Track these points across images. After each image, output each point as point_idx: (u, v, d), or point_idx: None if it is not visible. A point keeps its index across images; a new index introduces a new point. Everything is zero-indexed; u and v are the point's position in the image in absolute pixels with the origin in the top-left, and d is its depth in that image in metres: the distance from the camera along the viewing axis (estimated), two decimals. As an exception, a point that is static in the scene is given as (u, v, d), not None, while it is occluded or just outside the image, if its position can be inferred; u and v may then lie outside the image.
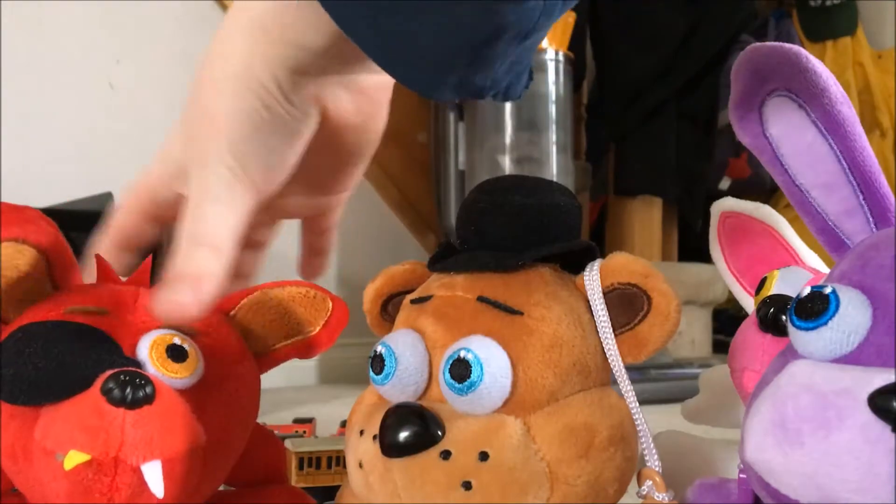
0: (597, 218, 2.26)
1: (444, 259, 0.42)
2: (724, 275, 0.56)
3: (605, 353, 0.40)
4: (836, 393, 0.26)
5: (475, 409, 0.37)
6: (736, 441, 0.60)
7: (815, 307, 0.29)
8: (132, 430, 0.35)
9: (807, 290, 0.30)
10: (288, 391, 1.52)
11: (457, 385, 0.36)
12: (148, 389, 0.35)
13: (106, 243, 0.46)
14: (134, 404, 0.35)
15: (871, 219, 0.33)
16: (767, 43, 0.34)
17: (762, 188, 2.51)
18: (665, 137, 2.00)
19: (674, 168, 2.01)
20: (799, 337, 0.30)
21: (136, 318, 0.40)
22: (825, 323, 0.28)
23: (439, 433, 0.36)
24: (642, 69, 1.96)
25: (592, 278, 0.40)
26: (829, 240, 0.34)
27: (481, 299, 0.39)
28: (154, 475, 0.35)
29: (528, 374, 0.37)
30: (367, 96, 0.43)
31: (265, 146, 0.39)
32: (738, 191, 2.54)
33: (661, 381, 1.44)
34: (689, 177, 2.06)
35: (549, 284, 0.40)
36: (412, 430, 0.36)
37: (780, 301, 0.44)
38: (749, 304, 0.54)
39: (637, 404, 0.40)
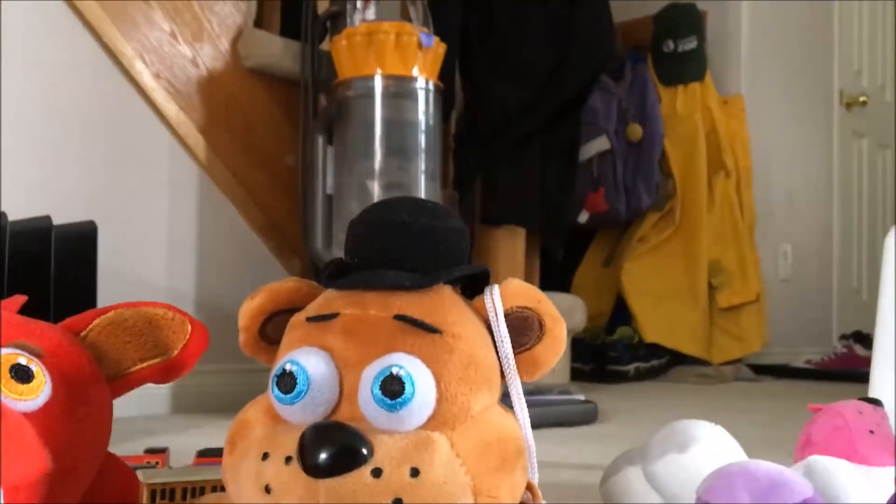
0: (462, 246, 2.30)
1: (340, 277, 0.42)
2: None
3: (501, 372, 0.41)
4: None
5: (401, 426, 0.37)
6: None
7: None
8: (-30, 457, 0.33)
9: None
10: (139, 420, 1.45)
11: (388, 401, 0.36)
12: (-11, 413, 0.33)
13: None
14: (-28, 429, 0.33)
15: None
16: None
17: (617, 222, 2.63)
18: (530, 170, 2.06)
19: (538, 200, 2.08)
20: None
21: (-23, 337, 0.38)
22: None
23: (365, 451, 0.36)
24: (510, 102, 2.01)
25: (495, 301, 0.41)
26: None
27: (399, 317, 0.39)
28: (-7, 506, 0.33)
29: (448, 390, 0.38)
30: None
31: None
32: (595, 224, 2.65)
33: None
34: (551, 208, 2.13)
35: (457, 304, 0.41)
36: (340, 448, 0.35)
37: None
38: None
39: (528, 420, 0.42)
